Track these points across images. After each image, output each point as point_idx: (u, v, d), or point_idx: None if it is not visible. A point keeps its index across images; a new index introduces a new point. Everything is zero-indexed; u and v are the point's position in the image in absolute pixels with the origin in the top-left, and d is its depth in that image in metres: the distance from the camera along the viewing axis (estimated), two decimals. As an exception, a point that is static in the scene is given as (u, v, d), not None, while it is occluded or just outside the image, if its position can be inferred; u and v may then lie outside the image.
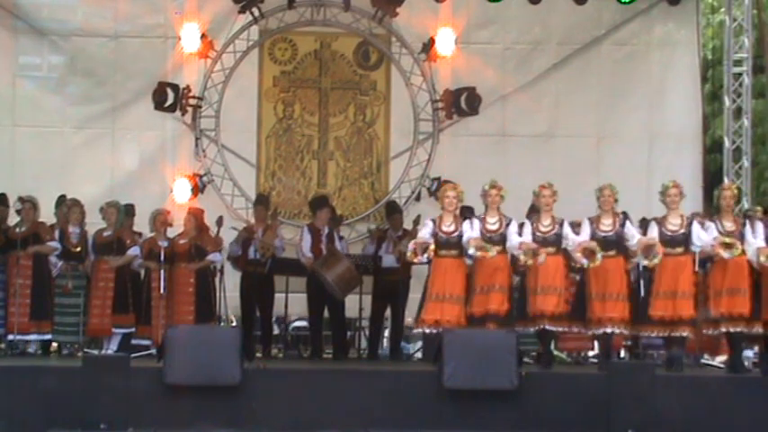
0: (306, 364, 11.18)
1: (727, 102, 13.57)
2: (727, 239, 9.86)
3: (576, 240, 10.09)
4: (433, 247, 9.98)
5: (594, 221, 10.20)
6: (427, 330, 10.11)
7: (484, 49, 13.34)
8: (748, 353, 11.05)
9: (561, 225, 10.20)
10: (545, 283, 10.02)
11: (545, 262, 9.91)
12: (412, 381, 9.71)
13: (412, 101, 13.44)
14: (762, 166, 17.82)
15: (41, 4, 13.06)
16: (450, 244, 10.14)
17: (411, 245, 10.11)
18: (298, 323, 13.46)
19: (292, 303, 12.03)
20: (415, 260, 10.11)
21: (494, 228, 10.19)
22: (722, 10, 15.85)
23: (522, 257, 9.92)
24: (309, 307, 11.78)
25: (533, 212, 11.01)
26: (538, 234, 10.13)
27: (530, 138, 13.36)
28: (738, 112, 13.49)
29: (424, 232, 10.20)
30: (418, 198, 13.29)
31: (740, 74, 13.48)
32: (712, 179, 13.80)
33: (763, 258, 9.79)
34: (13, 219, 11.46)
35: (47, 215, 11.60)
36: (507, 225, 10.19)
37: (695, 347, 10.93)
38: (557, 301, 10.03)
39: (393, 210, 12.44)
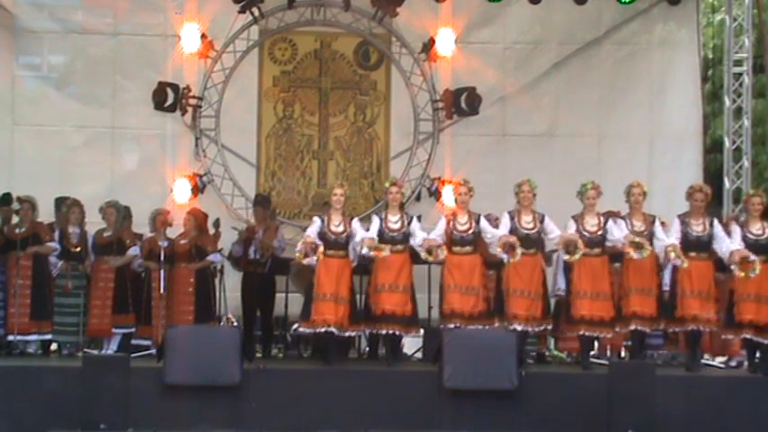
0: (306, 364, 11.18)
1: (727, 102, 13.56)
2: (637, 239, 9.94)
3: (495, 234, 10.06)
4: (321, 249, 9.84)
5: (515, 217, 10.18)
6: (316, 330, 9.94)
7: (484, 49, 13.33)
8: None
9: (478, 222, 10.16)
10: (462, 283, 9.98)
11: (444, 258, 9.90)
12: (412, 381, 9.72)
13: (412, 101, 13.43)
14: (762, 166, 17.78)
15: (41, 4, 13.05)
16: (338, 244, 10.04)
17: (300, 245, 9.94)
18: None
19: (292, 303, 12.02)
20: (304, 261, 9.91)
21: (395, 226, 10.15)
22: (722, 10, 15.82)
23: (423, 255, 9.92)
24: None
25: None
26: (455, 232, 10.10)
27: (530, 138, 13.35)
28: (738, 112, 13.48)
29: (311, 231, 10.06)
30: (418, 198, 13.29)
31: (740, 74, 13.48)
32: (712, 179, 13.77)
33: (673, 255, 9.86)
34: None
35: (47, 216, 11.59)
36: (409, 223, 10.18)
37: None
38: (475, 301, 9.99)
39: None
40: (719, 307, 10.15)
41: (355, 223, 10.16)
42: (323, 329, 9.89)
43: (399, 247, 10.09)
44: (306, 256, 9.82)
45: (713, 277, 10.16)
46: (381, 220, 10.21)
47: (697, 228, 10.14)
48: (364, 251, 9.88)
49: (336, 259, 10.02)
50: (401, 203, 10.47)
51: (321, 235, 10.03)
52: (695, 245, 10.09)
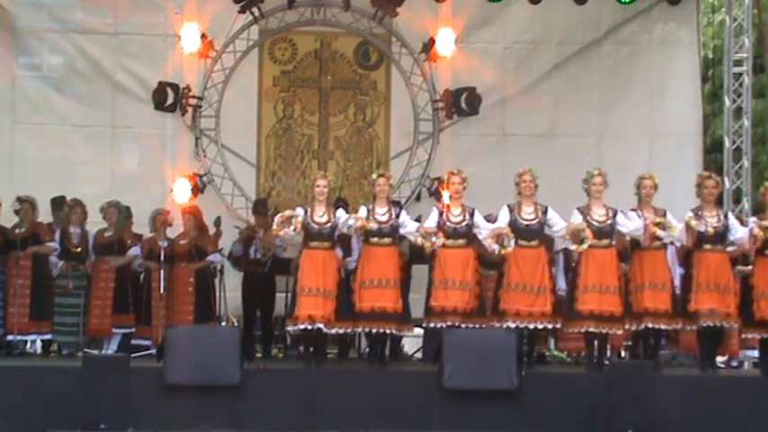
0: (306, 364, 11.17)
1: (727, 102, 13.55)
2: (659, 219, 9.66)
3: (489, 227, 9.81)
4: (300, 219, 9.64)
5: (515, 209, 9.90)
6: (302, 327, 9.66)
7: (484, 49, 13.34)
8: (753, 353, 11.03)
9: (472, 215, 9.89)
10: (455, 278, 9.70)
11: (441, 245, 9.65)
12: (412, 381, 9.72)
13: (412, 101, 13.44)
14: (762, 166, 17.79)
15: (41, 3, 13.05)
16: (321, 235, 9.80)
17: (277, 218, 9.76)
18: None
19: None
20: (281, 233, 9.73)
21: (383, 218, 9.88)
22: (722, 10, 15.83)
23: (419, 240, 9.66)
24: None
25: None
26: (448, 224, 9.82)
27: (530, 138, 13.34)
28: (738, 112, 13.47)
29: None
30: (418, 198, 13.30)
31: (740, 74, 13.46)
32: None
33: (694, 223, 9.62)
34: (11, 218, 11.42)
35: (46, 216, 11.58)
36: (397, 216, 9.94)
37: (695, 347, 10.92)
38: (468, 297, 9.70)
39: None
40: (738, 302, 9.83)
41: (340, 212, 9.98)
42: (308, 326, 9.63)
43: (386, 240, 9.84)
44: (283, 228, 9.66)
45: (731, 271, 9.86)
46: (369, 210, 9.93)
47: (712, 220, 9.78)
48: (351, 222, 9.66)
49: (321, 251, 9.78)
50: (389, 196, 10.20)
51: (304, 227, 9.78)
52: (711, 238, 9.72)
